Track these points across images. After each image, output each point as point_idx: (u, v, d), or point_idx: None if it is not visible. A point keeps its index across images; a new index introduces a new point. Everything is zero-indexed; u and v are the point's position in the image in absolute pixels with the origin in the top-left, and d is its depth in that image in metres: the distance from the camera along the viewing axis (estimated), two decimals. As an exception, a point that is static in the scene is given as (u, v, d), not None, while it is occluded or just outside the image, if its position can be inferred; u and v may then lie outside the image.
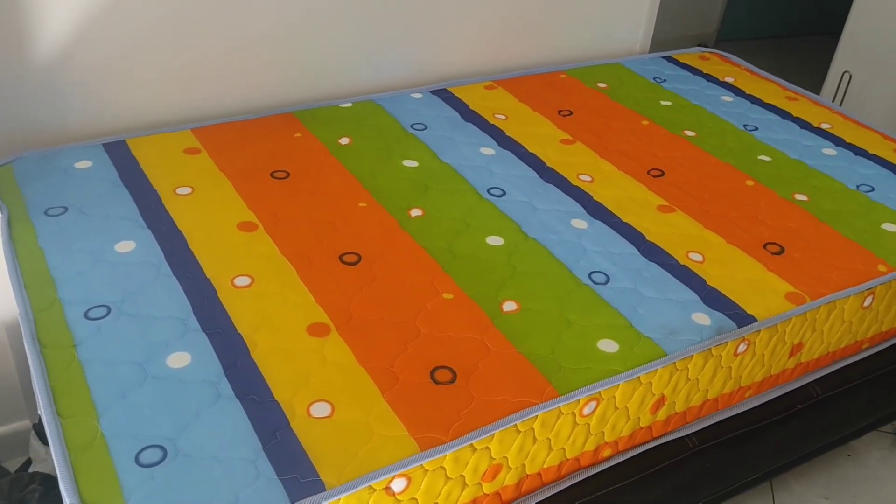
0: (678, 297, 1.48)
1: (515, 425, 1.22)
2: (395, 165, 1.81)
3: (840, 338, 1.62)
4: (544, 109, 2.12)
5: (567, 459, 1.34)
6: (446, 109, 2.08)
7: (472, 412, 1.21)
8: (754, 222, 1.72)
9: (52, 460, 1.58)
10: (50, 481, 1.53)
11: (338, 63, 2.08)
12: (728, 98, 2.27)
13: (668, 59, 2.51)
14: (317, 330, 1.33)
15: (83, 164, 1.69)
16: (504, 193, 1.75)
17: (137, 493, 1.03)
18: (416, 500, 1.17)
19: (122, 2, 1.71)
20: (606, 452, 1.40)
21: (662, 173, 1.88)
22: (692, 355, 1.38)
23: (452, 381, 1.26)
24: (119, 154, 1.74)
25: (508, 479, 1.28)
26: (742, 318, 1.44)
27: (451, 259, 1.53)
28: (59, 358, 1.23)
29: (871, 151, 2.04)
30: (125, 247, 1.47)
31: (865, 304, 1.59)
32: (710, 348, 1.39)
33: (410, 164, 1.82)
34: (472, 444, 1.18)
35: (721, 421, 1.54)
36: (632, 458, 1.43)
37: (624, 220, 1.69)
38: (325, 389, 1.22)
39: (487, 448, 1.20)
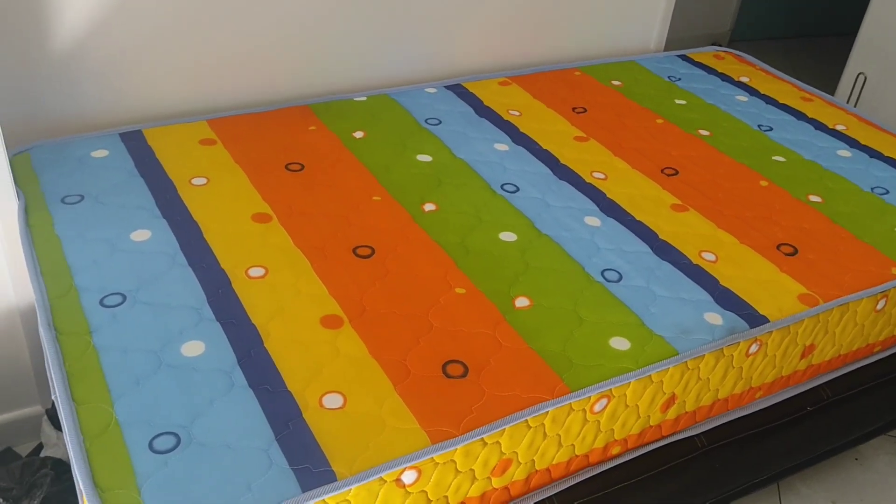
0: (691, 296, 1.48)
1: (526, 421, 1.22)
2: (409, 160, 1.81)
3: (852, 340, 1.62)
4: (558, 106, 2.12)
5: (576, 456, 1.35)
6: (460, 105, 2.08)
7: (483, 407, 1.21)
8: (768, 223, 1.72)
9: (64, 445, 1.60)
10: (61, 466, 1.54)
11: (353, 56, 2.08)
12: (743, 98, 2.27)
13: (683, 57, 2.50)
14: (330, 322, 1.33)
15: (99, 153, 1.70)
16: (517, 189, 1.75)
17: (151, 479, 1.04)
18: (425, 492, 1.17)
19: (141, -8, 1.73)
20: (616, 450, 1.40)
21: (676, 172, 1.87)
22: (704, 355, 1.38)
23: (464, 375, 1.26)
24: (135, 144, 1.75)
25: (518, 474, 1.28)
26: (754, 319, 1.44)
27: (464, 254, 1.53)
28: (75, 345, 1.24)
29: (886, 154, 2.03)
30: (141, 235, 1.48)
31: (878, 307, 1.59)
32: (722, 348, 1.39)
33: (424, 158, 1.83)
34: (482, 438, 1.18)
35: (730, 421, 1.54)
36: (641, 456, 1.44)
37: (637, 219, 1.69)
38: (337, 381, 1.22)
39: (498, 443, 1.21)
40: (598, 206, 1.72)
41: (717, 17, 4.26)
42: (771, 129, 2.11)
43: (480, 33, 2.25)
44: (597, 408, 1.29)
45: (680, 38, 3.83)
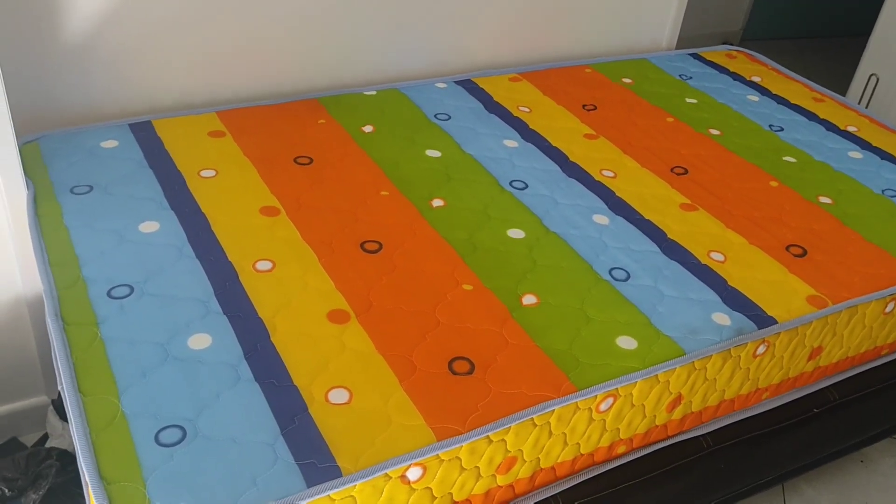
0: (698, 296, 1.47)
1: (532, 419, 1.22)
2: (418, 155, 1.81)
3: (860, 343, 1.61)
4: (568, 103, 2.11)
5: (581, 455, 1.34)
6: (470, 100, 2.07)
7: (489, 404, 1.21)
8: (777, 224, 1.71)
9: (70, 436, 1.60)
10: (66, 457, 1.55)
11: (362, 50, 2.08)
12: (754, 97, 2.25)
13: (695, 56, 2.49)
14: (337, 317, 1.33)
15: (109, 144, 1.70)
16: (526, 186, 1.75)
17: (157, 472, 1.04)
18: (430, 489, 1.17)
19: (152, -17, 1.72)
20: (621, 449, 1.40)
21: (686, 171, 1.87)
22: (711, 355, 1.37)
23: (470, 372, 1.26)
24: (144, 135, 1.75)
25: (522, 472, 1.28)
26: (762, 320, 1.43)
27: (471, 250, 1.53)
28: (82, 335, 1.24)
29: (897, 156, 2.02)
30: (149, 227, 1.48)
31: (887, 309, 1.58)
32: (730, 349, 1.39)
33: (433, 153, 1.82)
34: (488, 435, 1.18)
35: (737, 422, 1.53)
36: (646, 455, 1.43)
37: (646, 218, 1.68)
38: (343, 376, 1.22)
39: (503, 440, 1.20)
40: (606, 204, 1.72)
41: (728, 15, 4.24)
42: (782, 129, 2.10)
43: (491, 29, 2.24)
44: (603, 407, 1.29)
45: (691, 37, 3.81)
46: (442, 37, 2.17)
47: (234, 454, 1.08)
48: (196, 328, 1.27)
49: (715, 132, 2.05)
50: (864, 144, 2.06)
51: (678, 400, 1.40)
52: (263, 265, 1.42)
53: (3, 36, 1.62)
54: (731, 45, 2.70)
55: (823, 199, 1.81)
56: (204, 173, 1.65)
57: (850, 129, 2.13)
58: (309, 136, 1.82)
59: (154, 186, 1.59)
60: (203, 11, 1.82)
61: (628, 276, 1.51)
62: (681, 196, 1.77)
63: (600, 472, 1.38)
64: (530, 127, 1.98)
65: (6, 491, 1.42)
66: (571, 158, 1.87)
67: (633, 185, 1.79)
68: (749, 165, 1.92)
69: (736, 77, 2.37)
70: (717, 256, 1.59)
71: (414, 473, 1.13)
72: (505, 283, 1.45)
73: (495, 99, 2.09)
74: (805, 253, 1.62)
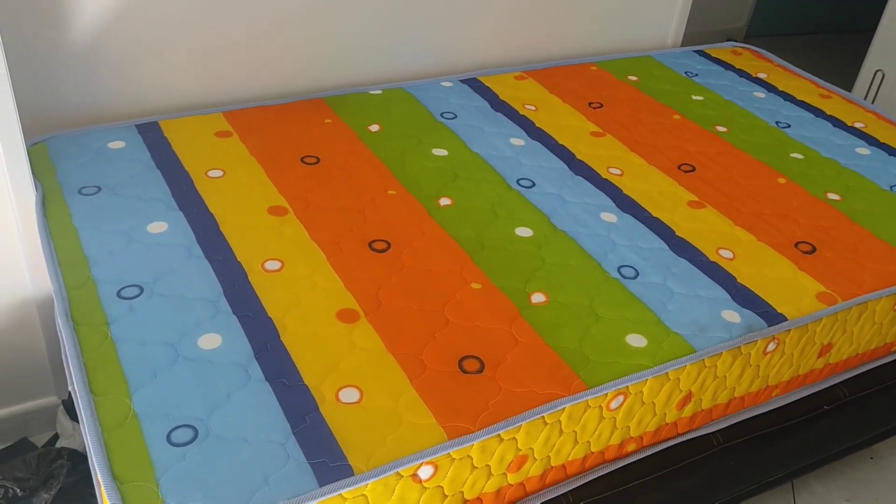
0: (708, 293, 1.47)
1: (543, 417, 1.22)
2: (425, 154, 1.81)
3: (870, 339, 1.61)
4: (574, 101, 2.11)
5: (592, 453, 1.34)
6: (476, 99, 2.07)
7: (499, 402, 1.21)
8: (786, 220, 1.70)
9: (80, 436, 1.61)
10: (77, 457, 1.55)
11: (367, 49, 2.08)
12: (760, 94, 2.25)
13: (700, 53, 2.49)
14: (346, 316, 1.33)
15: (116, 145, 1.70)
16: (533, 185, 1.74)
17: (169, 471, 1.05)
18: (441, 488, 1.17)
19: (158, -17, 1.73)
20: (631, 447, 1.40)
21: (693, 168, 1.86)
22: (721, 353, 1.37)
23: (480, 370, 1.26)
24: (152, 135, 1.75)
25: (533, 470, 1.28)
26: (772, 317, 1.43)
27: (479, 249, 1.52)
28: (93, 336, 1.24)
29: (905, 152, 2.01)
30: (157, 227, 1.48)
31: (897, 306, 1.58)
32: (740, 346, 1.39)
33: (440, 152, 1.82)
34: (499, 434, 1.18)
35: (747, 419, 1.53)
36: (656, 453, 1.43)
37: (654, 215, 1.68)
38: (353, 375, 1.22)
39: (514, 439, 1.20)
40: (614, 202, 1.72)
41: (733, 12, 4.23)
42: (789, 125, 2.10)
43: (496, 27, 2.24)
44: (613, 405, 1.29)
45: (696, 34, 3.80)
46: (447, 35, 2.17)
47: (245, 453, 1.08)
48: (206, 328, 1.27)
49: (722, 129, 2.05)
50: (871, 141, 2.06)
51: (688, 397, 1.39)
52: (272, 265, 1.42)
53: (11, 38, 1.62)
54: (736, 41, 2.70)
55: (832, 196, 1.81)
56: (211, 173, 1.65)
57: (858, 125, 2.13)
58: (315, 136, 1.82)
59: (162, 187, 1.59)
60: (208, 12, 1.82)
61: (637, 274, 1.50)
62: (688, 193, 1.77)
63: (611, 470, 1.38)
64: (536, 125, 1.98)
65: (18, 491, 1.43)
66: (578, 156, 1.87)
67: (641, 182, 1.79)
68: (756, 162, 1.91)
69: (742, 74, 2.37)
70: (726, 254, 1.58)
71: (425, 472, 1.13)
72: (513, 281, 1.45)
73: (501, 97, 2.09)
74: (814, 250, 1.62)
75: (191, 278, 1.37)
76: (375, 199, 1.63)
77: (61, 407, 1.69)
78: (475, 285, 1.43)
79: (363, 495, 1.09)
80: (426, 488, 1.15)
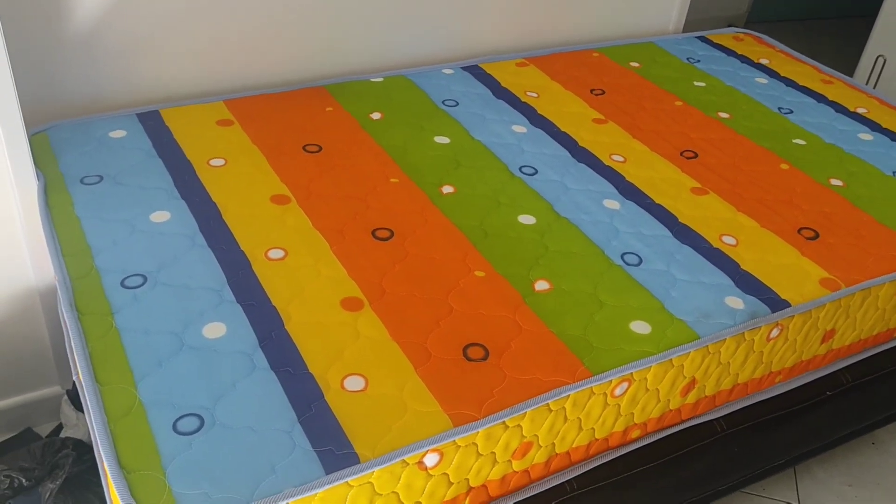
0: (711, 280, 1.47)
1: (547, 404, 1.22)
2: (427, 141, 1.80)
3: (873, 325, 1.61)
4: (576, 88, 2.10)
5: (596, 439, 1.35)
6: (477, 86, 2.06)
7: (504, 390, 1.21)
8: (789, 206, 1.70)
9: (84, 426, 1.61)
10: (82, 447, 1.55)
11: (368, 37, 2.07)
12: (763, 80, 2.24)
13: (702, 39, 2.48)
14: (350, 304, 1.33)
15: (118, 134, 1.70)
16: (536, 172, 1.74)
17: (176, 460, 1.05)
18: (447, 475, 1.18)
19: (158, -29, 1.72)
20: (635, 434, 1.40)
21: (696, 155, 1.86)
22: (725, 339, 1.37)
23: (485, 358, 1.26)
24: (153, 124, 1.74)
25: (538, 457, 1.28)
26: (776, 303, 1.43)
27: (482, 237, 1.52)
28: (97, 325, 1.24)
29: (907, 137, 2.01)
30: (160, 217, 1.48)
31: (900, 291, 1.58)
32: (743, 332, 1.39)
33: (442, 140, 1.82)
34: (504, 421, 1.18)
35: (750, 405, 1.53)
36: (660, 440, 1.44)
37: (657, 202, 1.68)
38: (358, 363, 1.22)
39: (519, 426, 1.21)
40: (617, 188, 1.71)
41: (733, -3, 4.22)
42: (791, 111, 2.09)
43: (497, 14, 2.22)
44: (617, 391, 1.29)
45: (697, 20, 3.78)
46: (448, 22, 2.16)
47: (251, 442, 1.08)
48: (210, 317, 1.27)
49: (724, 115, 2.04)
50: (874, 126, 2.05)
51: (692, 384, 1.40)
52: (275, 253, 1.42)
53: (12, 28, 1.61)
54: (737, 27, 2.69)
55: (834, 182, 1.80)
56: (213, 162, 1.64)
57: (860, 110, 2.12)
58: (317, 124, 1.82)
59: (164, 176, 1.59)
60: (208, 0, 1.80)
61: (640, 261, 1.50)
62: (691, 180, 1.76)
63: (615, 456, 1.39)
64: (538, 112, 1.97)
65: (23, 481, 1.43)
66: (581, 143, 1.86)
67: (643, 169, 1.79)
68: (759, 148, 1.91)
69: (744, 60, 2.36)
70: (729, 240, 1.58)
71: (431, 459, 1.14)
72: (517, 269, 1.45)
73: (503, 84, 2.08)
74: (817, 236, 1.62)
75: (194, 267, 1.37)
76: (378, 188, 1.63)
77: (65, 397, 1.69)
78: (479, 273, 1.43)
79: (369, 483, 1.09)
80: (432, 475, 1.15)
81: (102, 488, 1.13)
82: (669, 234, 1.59)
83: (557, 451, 1.30)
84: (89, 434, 1.57)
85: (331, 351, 1.24)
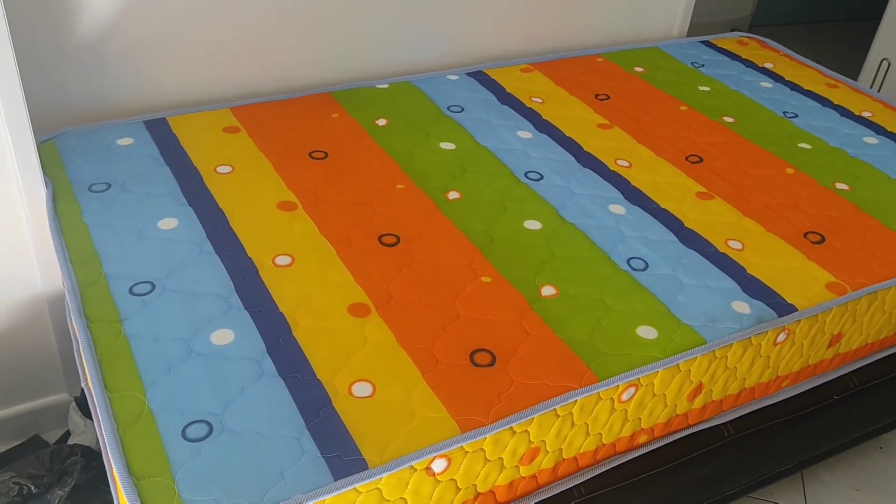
0: (717, 284, 1.47)
1: (555, 409, 1.22)
2: (433, 147, 1.81)
3: (880, 329, 1.61)
4: (581, 93, 2.11)
5: (603, 445, 1.35)
6: (482, 92, 2.07)
7: (511, 395, 1.21)
8: (794, 211, 1.70)
9: (92, 433, 1.62)
10: (90, 453, 1.55)
11: (373, 43, 2.08)
12: (767, 84, 2.25)
13: (706, 43, 2.48)
14: (357, 310, 1.34)
15: (125, 141, 1.71)
16: (541, 177, 1.74)
17: (185, 467, 1.05)
18: (455, 481, 1.18)
19: (164, -21, 1.73)
20: (642, 439, 1.40)
21: (701, 159, 1.86)
22: (731, 344, 1.37)
23: (492, 364, 1.26)
24: (160, 131, 1.75)
25: (545, 462, 1.28)
26: (782, 308, 1.43)
27: (489, 242, 1.53)
28: (106, 332, 1.25)
29: (913, 141, 2.01)
30: (168, 224, 1.48)
31: (907, 295, 1.58)
32: (750, 337, 1.39)
33: (447, 146, 1.82)
34: (511, 427, 1.18)
35: (757, 410, 1.53)
36: (667, 445, 1.44)
37: (662, 207, 1.68)
38: (366, 369, 1.23)
39: (526, 431, 1.21)
40: (622, 194, 1.72)
41: (737, 2, 4.22)
42: (796, 115, 2.09)
43: (501, 20, 2.23)
44: (625, 396, 1.29)
45: (700, 24, 3.79)
46: (452, 28, 2.17)
47: (260, 448, 1.09)
48: (218, 324, 1.28)
49: (729, 120, 2.04)
50: (879, 130, 2.05)
51: (699, 389, 1.40)
52: (283, 260, 1.43)
53: (20, 37, 1.62)
54: (740, 31, 2.69)
55: (840, 186, 1.80)
56: (220, 169, 1.65)
57: (865, 114, 2.12)
58: (323, 131, 1.82)
59: (171, 183, 1.60)
60: (214, 7, 1.82)
61: (646, 266, 1.50)
62: (696, 184, 1.77)
63: (622, 461, 1.39)
64: (544, 118, 1.98)
65: (32, 488, 1.44)
66: (586, 148, 1.87)
67: (649, 174, 1.79)
68: (764, 153, 1.91)
69: (748, 64, 2.36)
70: (735, 244, 1.58)
71: (439, 465, 1.14)
72: (523, 274, 1.45)
73: (508, 90, 2.09)
74: (823, 240, 1.62)
75: (202, 274, 1.38)
76: (384, 194, 1.63)
77: (73, 404, 1.70)
78: (485, 278, 1.43)
79: (377, 489, 1.09)
80: (440, 481, 1.16)
81: (111, 495, 1.14)
82: (675, 238, 1.59)
83: (565, 456, 1.30)
84: (97, 441, 1.58)
85: (338, 357, 1.24)
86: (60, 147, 1.67)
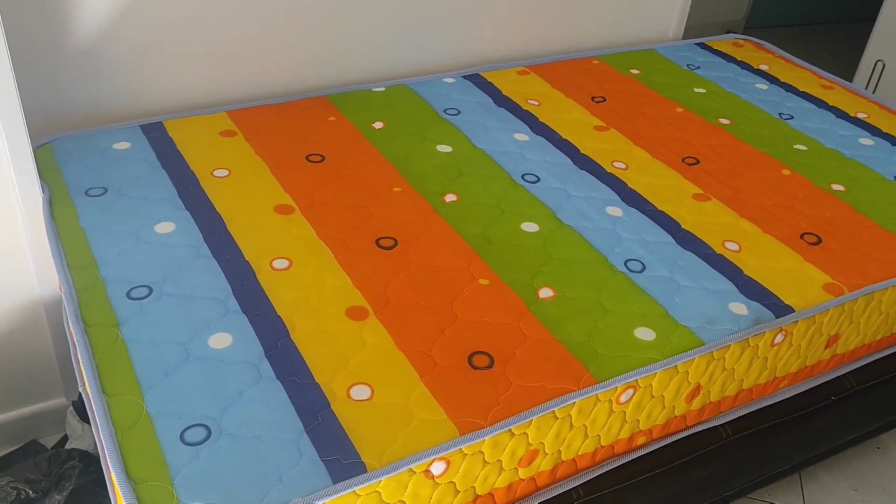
0: (715, 286, 1.48)
1: (553, 411, 1.22)
2: (429, 150, 1.81)
3: (876, 330, 1.61)
4: (577, 96, 2.11)
5: (602, 446, 1.35)
6: (479, 94, 2.07)
7: (510, 398, 1.21)
8: (791, 212, 1.71)
9: (90, 437, 1.61)
10: (88, 458, 1.55)
11: (369, 46, 2.08)
12: (763, 86, 2.25)
13: (702, 45, 2.49)
14: (355, 313, 1.34)
15: (121, 146, 1.70)
16: (538, 180, 1.75)
17: (183, 471, 1.05)
18: (454, 483, 1.18)
19: (161, -17, 1.73)
20: (641, 440, 1.40)
21: (697, 161, 1.87)
22: (729, 345, 1.37)
23: (490, 366, 1.26)
24: (156, 136, 1.75)
25: (544, 464, 1.28)
26: (779, 309, 1.43)
27: (486, 245, 1.53)
28: (103, 337, 1.24)
29: (908, 142, 2.02)
30: (165, 228, 1.48)
31: (903, 296, 1.58)
32: (748, 338, 1.39)
33: (444, 149, 1.82)
34: (510, 429, 1.18)
35: (755, 411, 1.54)
36: (665, 446, 1.44)
37: (659, 209, 1.69)
38: (364, 372, 1.23)
39: (525, 433, 1.21)
40: (619, 195, 1.72)
41: (731, 4, 4.23)
42: (792, 117, 2.10)
43: (497, 22, 2.24)
44: (623, 398, 1.29)
45: (694, 27, 3.80)
46: (448, 31, 2.17)
47: (259, 452, 1.09)
48: (216, 327, 1.28)
49: (725, 122, 2.05)
50: (874, 131, 2.06)
51: (697, 390, 1.40)
52: (280, 263, 1.43)
53: (15, 40, 1.62)
54: (735, 33, 2.70)
55: (836, 187, 1.81)
56: (217, 173, 1.65)
57: (860, 115, 2.13)
58: (320, 134, 1.82)
59: (168, 187, 1.60)
60: (210, 12, 1.82)
61: (644, 268, 1.51)
62: (693, 186, 1.77)
63: (621, 463, 1.39)
64: (540, 120, 1.98)
65: (30, 492, 1.43)
66: (582, 151, 1.87)
67: (645, 176, 1.79)
68: (760, 154, 1.92)
69: (744, 66, 2.37)
70: (732, 246, 1.59)
71: (438, 468, 1.14)
72: (521, 276, 1.46)
73: (504, 93, 2.09)
74: (819, 241, 1.62)
75: (200, 278, 1.37)
76: (381, 197, 1.64)
77: (71, 408, 1.69)
78: (483, 281, 1.44)
79: (376, 492, 1.09)
80: (438, 484, 1.16)
81: (109, 499, 1.13)
82: (672, 240, 1.59)
83: (563, 458, 1.30)
84: (95, 445, 1.58)
85: (336, 360, 1.24)
86: (57, 151, 1.67)
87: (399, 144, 1.82)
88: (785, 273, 1.52)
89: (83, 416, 1.66)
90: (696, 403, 1.43)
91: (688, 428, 1.46)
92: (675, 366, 1.32)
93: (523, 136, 1.91)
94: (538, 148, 1.87)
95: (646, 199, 1.71)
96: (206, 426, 1.11)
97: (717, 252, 1.57)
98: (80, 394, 1.66)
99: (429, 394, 1.20)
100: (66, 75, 1.73)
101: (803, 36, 4.35)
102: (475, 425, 1.16)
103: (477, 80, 2.14)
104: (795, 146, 1.96)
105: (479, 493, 1.23)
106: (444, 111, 1.97)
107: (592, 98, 2.11)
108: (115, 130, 1.76)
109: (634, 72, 2.27)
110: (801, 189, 1.79)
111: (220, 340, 1.25)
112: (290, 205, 1.58)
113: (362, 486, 1.07)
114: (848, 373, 1.65)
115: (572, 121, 1.99)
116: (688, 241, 1.59)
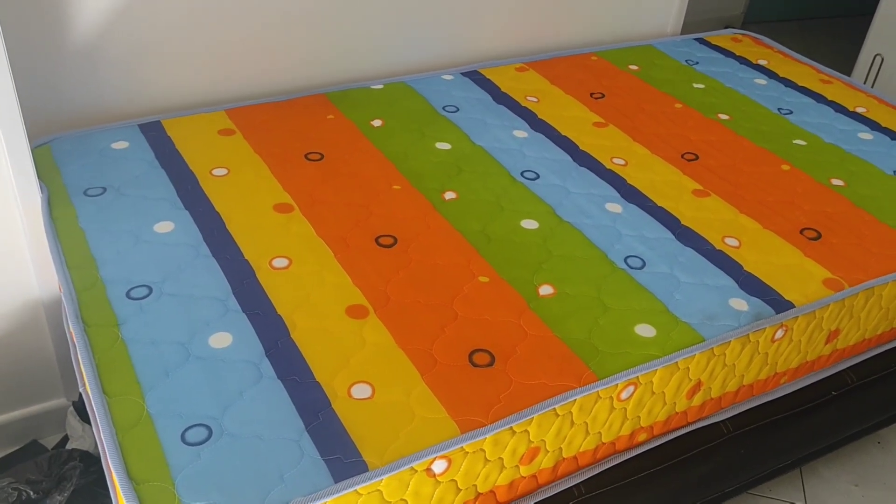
0: (715, 282, 1.47)
1: (554, 409, 1.22)
2: (428, 148, 1.81)
3: (877, 325, 1.61)
4: (576, 92, 2.11)
5: (603, 443, 1.35)
6: (477, 91, 2.07)
7: (511, 395, 1.21)
8: (790, 207, 1.71)
9: (90, 438, 1.61)
10: (89, 458, 1.55)
11: (368, 44, 2.07)
12: (762, 81, 2.25)
13: (700, 41, 2.48)
14: (355, 312, 1.33)
15: (120, 145, 1.70)
16: (538, 177, 1.74)
17: (185, 470, 1.05)
18: (455, 481, 1.18)
19: (158, -18, 1.72)
20: (642, 437, 1.40)
21: (696, 157, 1.86)
22: (730, 341, 1.37)
23: (491, 364, 1.26)
24: (155, 135, 1.75)
25: (545, 462, 1.28)
26: (780, 304, 1.43)
27: (486, 242, 1.53)
28: (103, 337, 1.24)
29: (907, 136, 2.01)
30: (164, 227, 1.48)
31: (903, 290, 1.58)
32: (748, 334, 1.39)
33: (443, 146, 1.82)
34: (511, 427, 1.18)
35: (755, 407, 1.54)
36: (666, 443, 1.44)
37: (658, 205, 1.68)
38: (365, 371, 1.22)
39: (526, 431, 1.21)
40: (618, 192, 1.72)
41: (729, -1, 4.23)
42: (791, 112, 2.10)
43: (496, 19, 2.23)
44: (624, 395, 1.29)
45: (693, 22, 3.79)
46: (446, 28, 2.17)
47: (260, 451, 1.09)
48: (216, 327, 1.27)
49: (724, 117, 2.04)
50: (873, 125, 2.06)
51: (698, 386, 1.40)
52: (280, 262, 1.42)
53: (13, 40, 1.61)
54: (734, 28, 2.69)
55: (836, 182, 1.81)
56: (216, 172, 1.65)
57: (859, 110, 2.13)
58: (319, 132, 1.82)
59: (167, 186, 1.59)
60: (209, 11, 1.81)
61: (644, 264, 1.51)
62: (693, 182, 1.77)
63: (622, 460, 1.39)
64: (539, 117, 1.98)
65: (31, 493, 1.43)
66: (581, 147, 1.87)
67: (645, 172, 1.79)
68: (759, 149, 1.91)
69: (742, 61, 2.37)
70: (732, 242, 1.59)
71: (439, 466, 1.14)
72: (521, 273, 1.45)
73: (503, 89, 2.09)
74: (819, 236, 1.62)
75: (199, 277, 1.37)
76: (380, 195, 1.63)
77: (71, 409, 1.69)
78: (483, 278, 1.43)
79: (378, 490, 1.09)
80: (440, 482, 1.16)
81: (110, 500, 1.13)
82: (672, 236, 1.59)
83: (565, 455, 1.30)
84: (96, 445, 1.58)
85: (337, 359, 1.24)
86: (55, 151, 1.67)
87: (398, 142, 1.81)
88: (785, 268, 1.52)
89: (84, 416, 1.66)
90: (697, 400, 1.43)
91: (689, 424, 1.46)
92: (676, 362, 1.32)
93: (522, 132, 1.90)
94: (537, 144, 1.86)
95: (645, 196, 1.71)
96: (206, 426, 1.11)
97: (717, 248, 1.57)
98: (80, 394, 1.65)
99: (429, 392, 1.20)
100: (65, 75, 1.72)
101: (802, 30, 4.34)
102: (476, 423, 1.16)
103: (475, 77, 2.13)
104: (795, 141, 1.96)
105: (480, 491, 1.22)
106: (443, 108, 1.97)
107: (591, 94, 2.10)
108: (114, 130, 1.75)
109: (633, 68, 2.27)
110: (800, 184, 1.79)
111: (220, 340, 1.25)
112: (289, 203, 1.58)
113: (364, 485, 1.07)
114: (848, 368, 1.65)
115: (571, 117, 1.99)
116: (688, 237, 1.59)
